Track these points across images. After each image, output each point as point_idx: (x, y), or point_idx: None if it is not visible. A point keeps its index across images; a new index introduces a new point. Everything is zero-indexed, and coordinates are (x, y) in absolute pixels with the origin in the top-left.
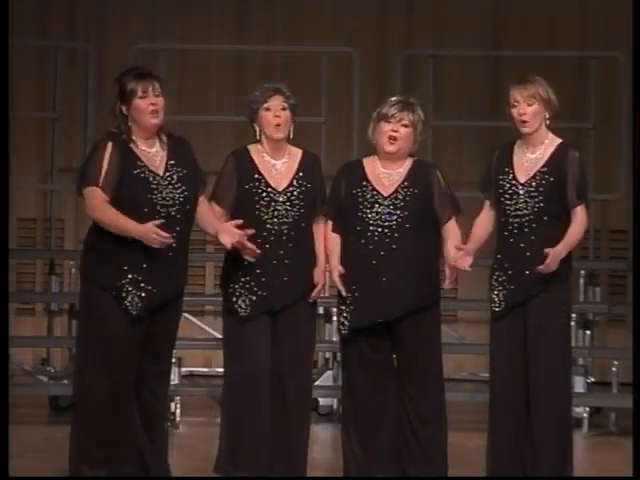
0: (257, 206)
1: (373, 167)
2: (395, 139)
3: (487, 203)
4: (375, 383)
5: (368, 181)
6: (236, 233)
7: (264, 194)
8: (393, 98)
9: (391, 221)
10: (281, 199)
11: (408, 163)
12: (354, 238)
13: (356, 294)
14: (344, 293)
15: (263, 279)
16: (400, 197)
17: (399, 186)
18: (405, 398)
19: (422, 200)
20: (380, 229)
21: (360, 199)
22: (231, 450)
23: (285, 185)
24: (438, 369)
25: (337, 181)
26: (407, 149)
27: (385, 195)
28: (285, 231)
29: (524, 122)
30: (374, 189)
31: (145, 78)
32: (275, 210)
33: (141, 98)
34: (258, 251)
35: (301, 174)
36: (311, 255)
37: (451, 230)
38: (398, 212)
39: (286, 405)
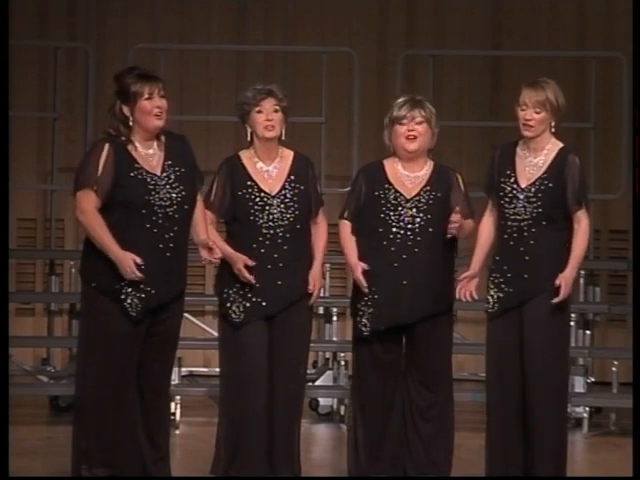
0: (252, 211)
1: (394, 169)
2: (414, 137)
3: (490, 204)
4: (384, 382)
5: (390, 183)
6: (214, 253)
7: (257, 199)
8: (400, 99)
9: (414, 224)
10: (275, 203)
11: (429, 166)
12: (376, 240)
13: (376, 296)
14: (365, 290)
15: (258, 285)
16: (423, 200)
17: (422, 189)
18: (413, 398)
19: (443, 203)
20: (403, 232)
21: (383, 201)
22: (228, 450)
23: (278, 189)
24: (448, 371)
25: (357, 183)
26: (426, 145)
27: (408, 197)
28: (280, 234)
29: (528, 127)
30: (397, 191)
31: (150, 80)
32: (270, 214)
33: (147, 100)
34: (252, 281)
35: (293, 177)
36: (307, 257)
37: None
38: (421, 215)
39: (278, 405)
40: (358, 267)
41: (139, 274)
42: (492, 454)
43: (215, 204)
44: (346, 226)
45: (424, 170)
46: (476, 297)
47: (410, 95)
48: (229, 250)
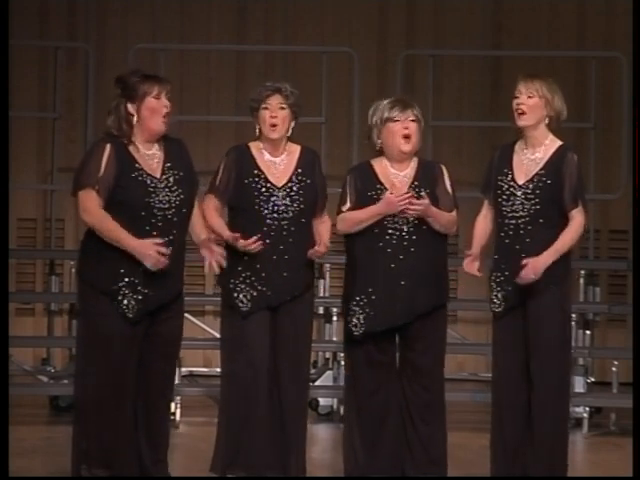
0: (257, 201)
1: (383, 169)
2: (409, 137)
3: (486, 202)
4: (378, 382)
5: (381, 183)
6: (216, 252)
7: (263, 189)
8: (388, 101)
9: (409, 223)
10: (280, 195)
11: (415, 162)
12: (371, 242)
13: (373, 297)
14: (407, 205)
15: (263, 274)
16: (415, 198)
17: (410, 187)
18: (409, 397)
19: (431, 198)
20: (398, 232)
21: (376, 201)
22: (229, 449)
23: (284, 181)
24: (441, 369)
25: (349, 182)
26: (418, 145)
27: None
28: (285, 226)
29: (520, 113)
30: (390, 192)
31: (160, 81)
32: (275, 206)
33: (155, 98)
34: (257, 245)
35: (300, 170)
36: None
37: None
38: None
39: (282, 403)
40: (387, 199)
41: (164, 259)
42: (498, 454)
43: (220, 189)
44: (346, 214)
45: (410, 167)
46: (480, 274)
47: (399, 96)
48: (227, 232)
